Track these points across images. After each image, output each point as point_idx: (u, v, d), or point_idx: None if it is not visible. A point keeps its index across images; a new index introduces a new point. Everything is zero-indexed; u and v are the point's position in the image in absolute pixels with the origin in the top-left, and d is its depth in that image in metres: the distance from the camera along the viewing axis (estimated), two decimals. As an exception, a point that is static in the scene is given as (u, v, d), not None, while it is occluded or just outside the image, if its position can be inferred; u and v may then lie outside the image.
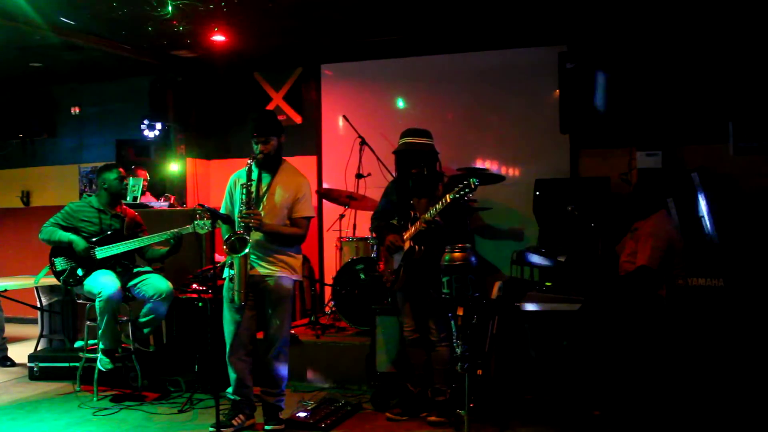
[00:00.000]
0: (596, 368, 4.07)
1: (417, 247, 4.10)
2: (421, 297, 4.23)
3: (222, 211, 4.20)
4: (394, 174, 6.12)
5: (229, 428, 4.02)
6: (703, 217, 5.41)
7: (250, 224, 3.88)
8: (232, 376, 4.11)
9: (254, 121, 4.09)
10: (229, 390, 4.14)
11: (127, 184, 5.01)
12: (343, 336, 5.41)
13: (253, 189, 3.98)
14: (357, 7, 5.70)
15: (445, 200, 3.86)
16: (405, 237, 4.18)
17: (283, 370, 4.15)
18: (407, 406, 4.33)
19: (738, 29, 5.68)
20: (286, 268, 4.09)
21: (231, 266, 3.91)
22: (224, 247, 3.85)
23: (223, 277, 4.10)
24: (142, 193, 6.02)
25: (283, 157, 4.21)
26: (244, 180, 4.01)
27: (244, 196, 3.96)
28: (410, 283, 4.23)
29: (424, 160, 4.20)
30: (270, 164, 4.09)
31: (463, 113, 6.65)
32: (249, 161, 4.02)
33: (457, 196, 3.78)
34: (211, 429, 3.94)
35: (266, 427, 4.10)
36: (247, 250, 3.83)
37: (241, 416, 4.10)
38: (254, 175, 4.01)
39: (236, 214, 4.08)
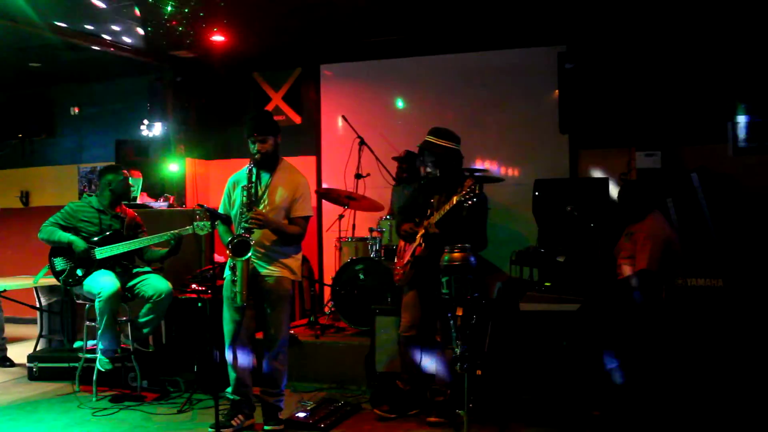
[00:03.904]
0: (596, 368, 4.07)
1: (422, 244, 4.15)
2: (427, 296, 4.25)
3: (220, 211, 4.20)
4: (393, 174, 6.19)
5: (228, 428, 4.01)
6: (702, 217, 5.42)
7: (253, 225, 3.87)
8: (232, 375, 4.11)
9: (251, 121, 4.07)
10: (229, 390, 4.14)
11: (131, 186, 5.02)
12: (343, 336, 5.41)
13: (253, 190, 3.98)
14: (357, 7, 5.70)
15: (451, 202, 3.95)
16: (418, 235, 4.22)
17: (282, 370, 4.15)
18: (396, 403, 4.35)
19: (737, 30, 5.68)
20: (285, 269, 4.09)
21: (232, 267, 3.90)
22: (227, 250, 3.84)
23: (224, 276, 4.10)
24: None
25: (281, 157, 4.20)
26: (244, 182, 4.01)
27: (245, 198, 3.96)
28: (417, 280, 4.25)
29: (438, 160, 4.21)
30: (268, 164, 4.08)
31: (463, 113, 6.64)
32: (250, 163, 4.01)
33: (462, 199, 3.87)
34: (210, 429, 3.93)
35: (265, 428, 4.10)
36: (250, 254, 3.83)
37: (240, 416, 4.09)
38: (254, 177, 4.01)
39: (234, 216, 4.08)
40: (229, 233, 4.12)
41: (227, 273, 4.02)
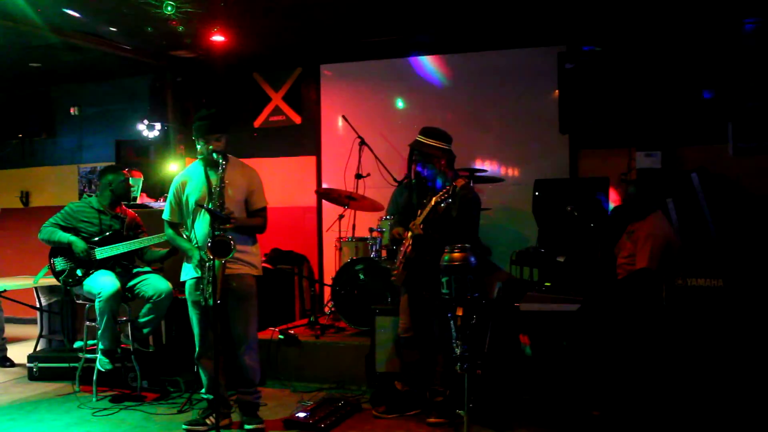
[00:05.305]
0: (596, 368, 4.07)
1: (410, 246, 4.17)
2: (418, 297, 4.26)
3: (166, 214, 4.15)
4: (393, 174, 6.19)
5: (202, 426, 4.03)
6: (702, 217, 5.41)
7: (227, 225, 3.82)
8: (204, 376, 4.11)
9: (209, 120, 4.04)
10: (203, 390, 4.15)
11: (131, 186, 5.03)
12: (343, 336, 5.40)
13: (215, 187, 3.91)
14: (356, 7, 5.71)
15: (431, 204, 4.03)
16: (406, 236, 4.23)
17: (255, 367, 4.12)
18: (393, 404, 4.36)
19: (738, 30, 5.68)
20: (246, 266, 4.05)
21: (209, 267, 3.78)
22: (208, 250, 3.73)
23: (186, 278, 4.06)
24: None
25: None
26: (196, 181, 4.00)
27: (216, 199, 3.89)
28: (409, 281, 4.26)
29: (428, 160, 4.22)
30: (219, 164, 4.02)
31: (463, 113, 6.64)
32: (222, 162, 3.93)
33: (440, 200, 3.98)
34: (184, 426, 4.00)
35: (246, 427, 4.07)
36: (233, 253, 3.77)
37: (216, 415, 4.06)
38: (205, 174, 3.95)
39: (189, 217, 4.05)
40: (178, 236, 4.11)
41: (192, 274, 3.99)
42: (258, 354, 4.17)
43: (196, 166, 4.12)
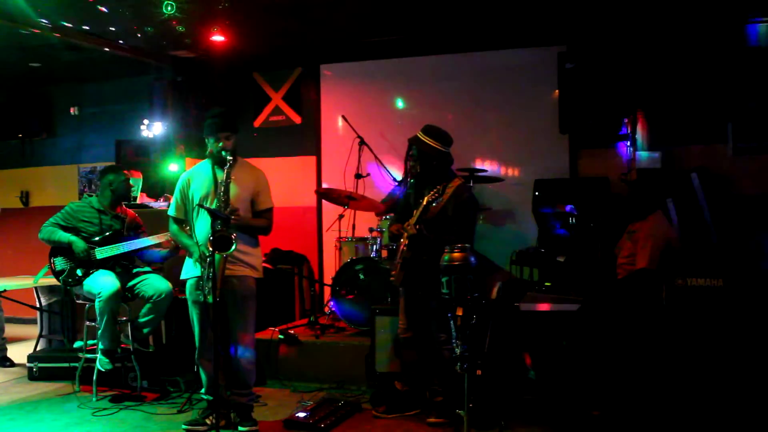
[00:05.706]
0: (596, 368, 4.07)
1: (406, 245, 4.17)
2: (414, 297, 4.27)
3: (171, 210, 4.15)
4: (393, 174, 6.20)
5: (202, 426, 4.02)
6: (702, 217, 5.42)
7: (231, 221, 3.83)
8: (204, 376, 4.10)
9: (219, 118, 4.04)
10: (202, 390, 4.15)
11: (131, 186, 5.04)
12: (343, 336, 5.41)
13: (221, 184, 3.92)
14: (356, 7, 5.71)
15: (422, 204, 4.08)
16: (404, 235, 4.23)
17: (251, 369, 4.12)
18: (393, 404, 4.37)
19: (738, 30, 5.68)
20: (247, 267, 4.05)
21: (209, 263, 3.75)
22: (209, 245, 3.72)
23: (187, 276, 4.05)
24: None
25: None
26: (205, 179, 4.01)
27: (222, 194, 3.91)
28: (406, 281, 4.27)
29: (420, 157, 4.23)
30: (227, 161, 4.03)
31: (463, 113, 6.64)
32: (229, 159, 3.95)
33: (431, 199, 4.05)
34: (184, 426, 4.00)
35: (240, 429, 4.05)
36: (234, 248, 3.76)
37: (215, 415, 4.05)
38: (212, 172, 3.98)
39: (192, 214, 4.06)
40: (182, 233, 4.11)
41: (192, 272, 3.99)
42: (254, 356, 4.17)
43: (204, 164, 4.14)
